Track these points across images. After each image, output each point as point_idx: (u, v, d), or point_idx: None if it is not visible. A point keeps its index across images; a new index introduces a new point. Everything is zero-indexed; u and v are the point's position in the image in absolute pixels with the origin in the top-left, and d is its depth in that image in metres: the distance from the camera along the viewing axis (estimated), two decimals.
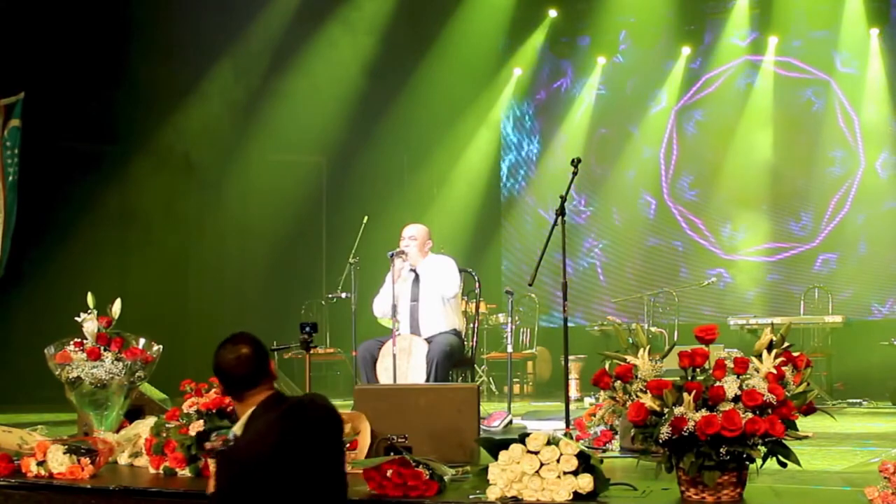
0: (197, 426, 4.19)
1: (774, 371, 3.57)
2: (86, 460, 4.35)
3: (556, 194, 5.56)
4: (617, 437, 5.09)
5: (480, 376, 10.43)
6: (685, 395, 3.50)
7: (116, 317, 5.42)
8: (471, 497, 3.69)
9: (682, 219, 12.25)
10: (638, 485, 3.81)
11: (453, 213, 12.40)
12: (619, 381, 3.72)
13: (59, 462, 4.33)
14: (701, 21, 12.08)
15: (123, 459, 4.73)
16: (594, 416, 5.28)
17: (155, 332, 5.66)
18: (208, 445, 3.19)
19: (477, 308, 7.20)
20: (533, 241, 12.92)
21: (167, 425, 4.42)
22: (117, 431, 4.99)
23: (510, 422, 6.82)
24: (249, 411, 3.19)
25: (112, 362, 5.23)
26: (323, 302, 11.29)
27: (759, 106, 11.84)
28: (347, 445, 4.49)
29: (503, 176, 13.33)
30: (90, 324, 5.33)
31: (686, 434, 3.44)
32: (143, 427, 4.70)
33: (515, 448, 3.65)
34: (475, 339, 7.04)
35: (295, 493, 2.98)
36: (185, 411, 4.29)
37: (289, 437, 3.00)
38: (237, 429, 3.22)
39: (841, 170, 11.45)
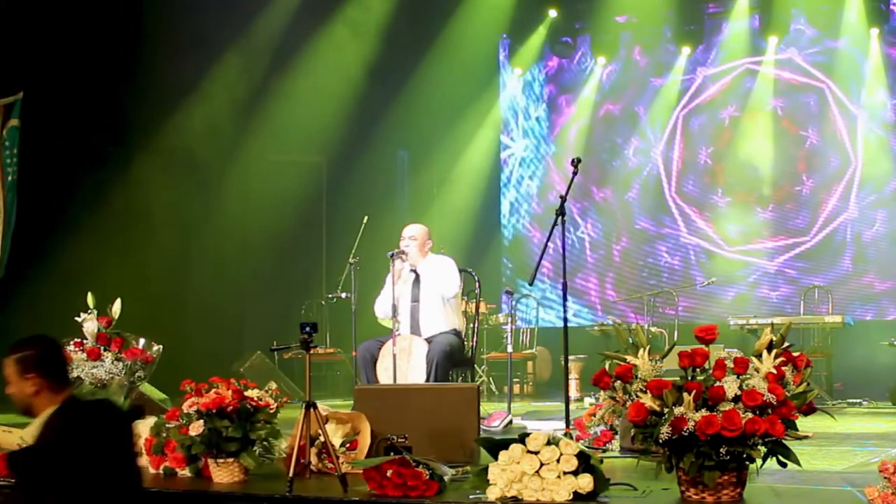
0: (197, 426, 4.19)
1: (774, 371, 3.57)
2: None
3: (555, 195, 5.55)
4: (617, 437, 5.09)
5: (480, 376, 10.43)
6: (685, 395, 3.50)
7: (116, 317, 5.43)
8: (471, 497, 3.69)
9: (683, 219, 12.26)
10: (638, 485, 3.81)
11: (453, 213, 12.40)
12: (619, 381, 3.72)
13: None
14: (701, 21, 12.09)
15: None
16: (594, 416, 5.27)
17: (155, 332, 5.67)
18: None
19: (477, 308, 7.19)
20: (532, 240, 12.94)
21: (167, 425, 4.42)
22: None
23: (510, 422, 6.82)
24: (50, 410, 3.16)
25: (112, 362, 5.24)
26: (323, 302, 11.29)
27: (758, 106, 11.85)
28: (348, 445, 4.49)
29: (503, 176, 13.32)
30: (90, 324, 5.34)
31: (686, 434, 3.44)
32: (143, 427, 4.70)
33: (515, 448, 3.65)
34: (475, 339, 7.03)
35: (84, 494, 2.97)
36: (185, 411, 4.29)
37: (79, 439, 3.00)
38: (34, 428, 3.20)
39: (840, 170, 11.45)
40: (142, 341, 5.42)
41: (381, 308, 6.83)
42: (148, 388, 5.74)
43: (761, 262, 11.78)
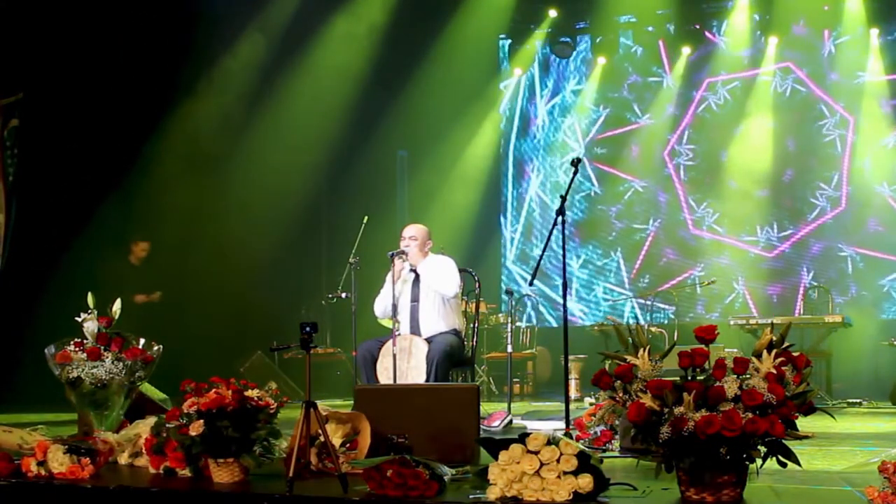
0: (197, 426, 4.19)
1: (774, 371, 3.56)
2: (86, 460, 4.35)
3: (556, 196, 5.56)
4: (617, 437, 5.08)
5: (480, 376, 10.43)
6: (685, 395, 3.50)
7: (116, 317, 5.42)
8: (471, 497, 3.68)
9: (680, 219, 12.26)
10: (638, 485, 3.80)
11: (453, 213, 12.40)
12: (619, 381, 3.72)
13: (59, 462, 4.32)
14: (701, 21, 12.11)
15: (123, 459, 4.73)
16: (594, 416, 5.27)
17: (155, 331, 5.66)
18: None
19: (477, 308, 7.19)
20: (532, 240, 12.93)
21: (167, 425, 4.41)
22: (117, 431, 4.98)
23: (510, 422, 6.82)
24: None
25: (112, 362, 5.23)
26: (323, 302, 11.28)
27: (758, 104, 11.86)
28: (348, 445, 4.48)
29: (503, 175, 13.32)
30: (90, 324, 5.33)
31: (686, 434, 3.44)
32: (143, 427, 4.70)
33: (515, 448, 3.64)
34: (475, 339, 7.03)
35: None
36: (185, 411, 4.29)
37: None
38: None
39: (840, 169, 11.47)
40: (142, 341, 5.41)
41: (380, 307, 6.83)
42: (148, 388, 5.74)
43: (762, 263, 11.79)
